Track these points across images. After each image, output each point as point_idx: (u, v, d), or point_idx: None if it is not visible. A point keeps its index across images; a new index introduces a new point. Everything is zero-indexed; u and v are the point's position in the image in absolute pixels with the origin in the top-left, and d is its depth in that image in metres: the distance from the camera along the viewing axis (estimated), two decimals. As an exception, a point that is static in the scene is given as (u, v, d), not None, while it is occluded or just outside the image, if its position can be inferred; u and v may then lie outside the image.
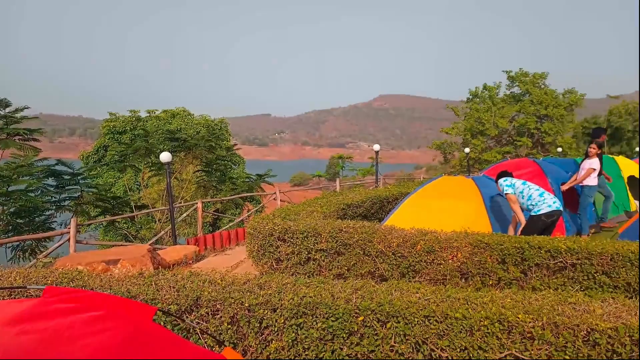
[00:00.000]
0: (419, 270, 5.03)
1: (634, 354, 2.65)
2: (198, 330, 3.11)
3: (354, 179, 30.96)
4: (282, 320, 3.02)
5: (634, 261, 4.48)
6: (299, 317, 3.01)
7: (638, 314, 2.85)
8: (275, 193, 13.62)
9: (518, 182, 6.04)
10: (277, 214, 6.17)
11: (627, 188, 10.82)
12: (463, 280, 5.00)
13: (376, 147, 15.20)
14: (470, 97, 27.79)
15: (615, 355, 2.67)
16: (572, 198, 8.34)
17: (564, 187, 8.18)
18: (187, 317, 3.17)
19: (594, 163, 7.83)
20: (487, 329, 2.77)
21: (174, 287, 3.31)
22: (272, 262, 5.52)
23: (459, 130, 26.88)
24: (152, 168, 15.59)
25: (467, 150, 19.41)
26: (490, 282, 4.86)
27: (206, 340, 3.09)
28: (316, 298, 3.04)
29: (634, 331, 2.66)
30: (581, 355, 2.69)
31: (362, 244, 5.16)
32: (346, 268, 5.23)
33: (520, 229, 5.91)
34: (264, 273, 5.39)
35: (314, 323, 2.98)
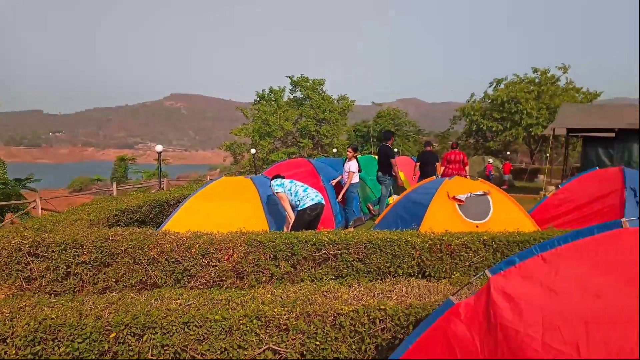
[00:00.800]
0: (194, 274, 4.92)
1: (371, 330, 3.01)
2: None
3: (137, 182, 29.12)
4: (14, 351, 2.57)
5: (382, 247, 5.15)
6: (36, 344, 2.61)
7: (375, 295, 3.27)
8: (35, 201, 11.81)
9: (287, 182, 6.48)
10: (29, 226, 5.33)
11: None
12: (239, 280, 5.07)
13: (158, 148, 14.55)
14: (258, 99, 28.85)
15: (357, 334, 3.00)
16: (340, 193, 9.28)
17: (339, 197, 9.12)
18: None
19: (352, 166, 8.93)
20: (246, 326, 2.82)
21: None
22: (21, 282, 4.73)
23: (247, 132, 27.64)
24: None
25: (253, 151, 20.07)
26: (264, 279, 5.02)
27: None
28: (59, 319, 2.68)
29: (371, 310, 3.02)
30: (329, 339, 2.94)
31: (132, 252, 4.81)
32: (114, 280, 4.80)
33: (290, 225, 6.31)
34: (11, 295, 4.58)
35: (56, 348, 2.61)
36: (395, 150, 36.84)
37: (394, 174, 9.88)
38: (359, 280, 3.63)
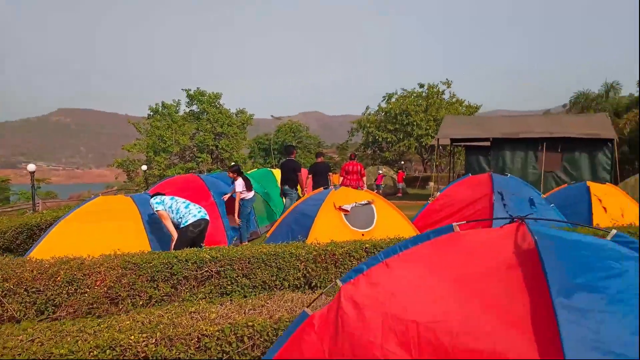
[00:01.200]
0: (60, 304, 4.51)
1: (239, 349, 2.94)
2: None
3: (13, 204, 26.32)
4: None
5: (266, 261, 5.11)
6: None
7: (246, 312, 3.20)
8: None
9: (167, 198, 6.23)
10: None
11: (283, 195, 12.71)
12: (114, 306, 4.74)
13: (31, 167, 13.38)
14: (151, 113, 27.65)
15: (224, 354, 2.91)
16: (233, 209, 9.14)
17: (236, 215, 9.00)
18: None
19: (237, 186, 8.92)
20: (98, 358, 2.62)
21: None
22: None
23: (141, 148, 26.29)
24: None
25: (144, 167, 19.13)
26: (141, 302, 4.74)
27: None
28: None
29: (238, 328, 2.95)
30: (194, 362, 2.82)
31: (-17, 285, 4.30)
32: (-39, 317, 4.25)
33: (173, 243, 6.07)
34: None
35: None
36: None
37: (300, 186, 10.24)
38: (231, 297, 3.55)
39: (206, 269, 4.92)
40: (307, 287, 5.22)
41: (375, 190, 21.78)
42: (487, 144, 17.20)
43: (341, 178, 12.47)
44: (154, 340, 2.74)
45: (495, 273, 1.94)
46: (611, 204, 8.54)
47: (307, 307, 2.40)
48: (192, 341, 2.82)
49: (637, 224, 7.05)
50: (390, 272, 2.21)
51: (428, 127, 34.14)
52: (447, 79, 36.82)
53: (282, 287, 5.10)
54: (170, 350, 2.76)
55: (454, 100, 36.71)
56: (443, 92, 36.71)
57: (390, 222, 7.04)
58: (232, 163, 8.86)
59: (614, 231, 2.02)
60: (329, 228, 6.62)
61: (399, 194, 22.88)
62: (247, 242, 8.85)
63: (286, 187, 10.41)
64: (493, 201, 7.74)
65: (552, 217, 7.63)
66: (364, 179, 12.52)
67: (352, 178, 12.25)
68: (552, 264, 1.76)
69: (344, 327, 2.13)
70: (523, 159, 16.53)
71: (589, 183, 9.21)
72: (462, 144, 21.31)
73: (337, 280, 2.36)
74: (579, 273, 1.79)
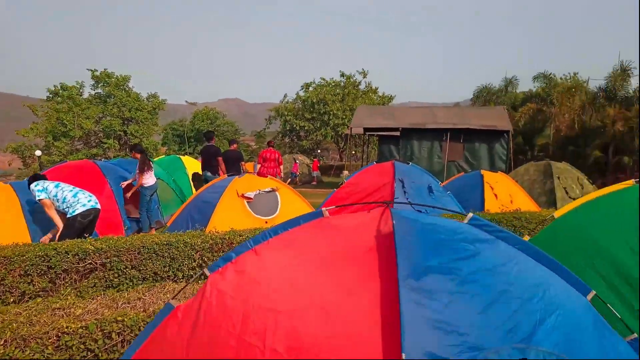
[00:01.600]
0: None
1: (107, 346, 2.73)
2: None
3: None
4: None
5: (158, 252, 4.85)
6: None
7: (119, 306, 2.98)
8: None
9: (51, 186, 5.69)
10: None
11: (191, 183, 12.36)
12: (-21, 304, 4.27)
13: None
14: (51, 95, 25.44)
15: (89, 352, 2.69)
16: (134, 198, 8.64)
17: (128, 193, 8.47)
18: None
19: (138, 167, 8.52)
20: None
21: None
22: None
23: (39, 132, 24.10)
24: None
25: (38, 153, 17.60)
26: (13, 299, 4.32)
27: None
28: None
29: (106, 324, 2.74)
30: (53, 362, 2.58)
31: None
32: None
33: (58, 234, 5.59)
34: None
35: None
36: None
37: (220, 172, 9.87)
38: (139, 288, 3.31)
39: (90, 261, 4.59)
40: (202, 277, 5.04)
41: (291, 178, 21.82)
42: (398, 133, 17.77)
43: (258, 165, 12.38)
44: (2, 341, 2.46)
45: (356, 257, 1.92)
46: (502, 191, 9.14)
47: (172, 298, 2.26)
48: (50, 340, 2.57)
49: (523, 209, 7.57)
50: (257, 259, 2.13)
51: (344, 117, 34.65)
52: (362, 69, 37.57)
53: (175, 278, 4.89)
54: (23, 351, 2.50)
55: (367, 89, 37.52)
56: (359, 83, 37.42)
57: (295, 209, 7.01)
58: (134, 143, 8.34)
59: (470, 214, 2.08)
60: (231, 216, 6.45)
61: (314, 182, 23.08)
62: (154, 232, 8.42)
63: (208, 173, 10.06)
64: (394, 188, 7.96)
65: (448, 204, 8.01)
66: (282, 166, 12.53)
67: (269, 165, 12.24)
68: (404, 247, 1.77)
69: (206, 318, 2.02)
70: (429, 148, 17.26)
71: (483, 172, 9.78)
72: (375, 133, 21.86)
73: (205, 269, 2.25)
74: (432, 255, 1.82)
